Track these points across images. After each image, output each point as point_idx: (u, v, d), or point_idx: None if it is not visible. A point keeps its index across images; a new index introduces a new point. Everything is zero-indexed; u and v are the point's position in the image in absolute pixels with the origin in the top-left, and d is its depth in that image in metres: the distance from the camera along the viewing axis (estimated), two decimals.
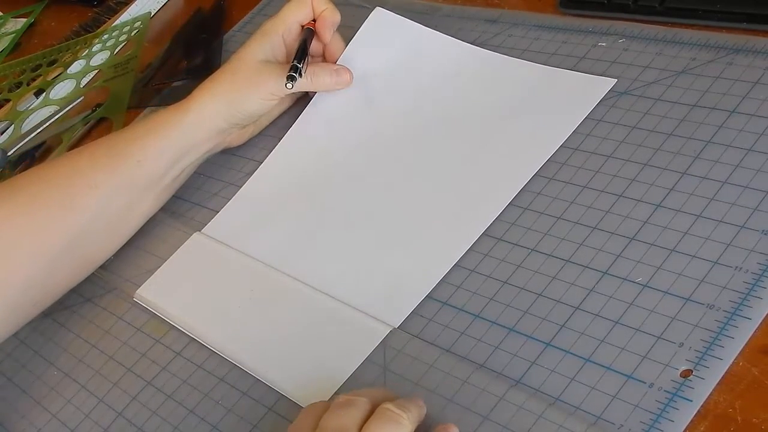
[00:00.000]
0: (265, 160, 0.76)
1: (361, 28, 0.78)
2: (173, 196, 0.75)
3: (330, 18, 0.76)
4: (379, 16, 0.79)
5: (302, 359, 0.60)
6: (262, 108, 0.75)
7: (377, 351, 0.58)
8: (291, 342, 0.61)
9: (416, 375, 0.56)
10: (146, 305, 0.69)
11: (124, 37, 1.02)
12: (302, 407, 0.57)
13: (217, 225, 0.73)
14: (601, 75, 0.68)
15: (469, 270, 0.60)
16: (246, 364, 0.61)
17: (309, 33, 0.75)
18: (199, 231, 0.73)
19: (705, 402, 0.48)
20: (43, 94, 0.99)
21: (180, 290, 0.69)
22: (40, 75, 1.02)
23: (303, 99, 0.79)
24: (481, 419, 0.52)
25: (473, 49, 0.75)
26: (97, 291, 0.73)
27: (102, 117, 0.93)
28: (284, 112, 0.80)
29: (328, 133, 0.75)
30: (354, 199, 0.69)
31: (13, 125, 0.96)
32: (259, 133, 0.79)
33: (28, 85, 1.02)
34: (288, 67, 0.72)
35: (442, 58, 0.76)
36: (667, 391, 0.49)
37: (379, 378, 0.57)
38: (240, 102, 0.73)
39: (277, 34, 0.75)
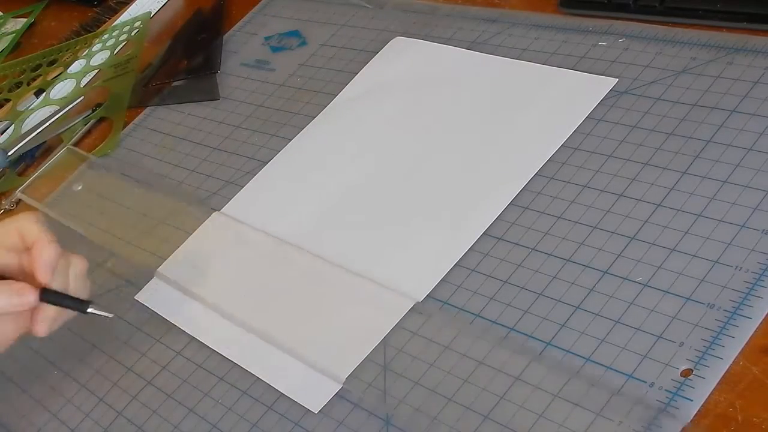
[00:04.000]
0: (289, 143, 0.77)
1: (378, 54, 0.80)
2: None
3: (40, 257, 0.58)
4: (397, 44, 0.80)
5: (327, 333, 0.61)
6: None
7: (377, 350, 0.58)
8: (314, 316, 0.62)
9: (416, 374, 0.56)
10: (167, 284, 0.70)
11: (124, 36, 1.02)
12: (305, 408, 0.57)
13: (237, 204, 0.74)
14: (601, 75, 0.68)
15: (470, 269, 0.60)
16: (269, 340, 0.62)
17: None
18: (218, 210, 0.73)
19: (705, 401, 0.48)
20: (43, 94, 0.99)
21: (201, 268, 0.70)
22: (40, 75, 1.02)
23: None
24: (482, 419, 0.52)
25: (471, 54, 0.75)
26: (97, 291, 0.73)
27: (102, 117, 0.93)
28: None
29: (348, 126, 0.76)
30: (361, 199, 0.69)
31: (13, 125, 0.96)
32: (267, 123, 0.79)
33: (28, 85, 1.02)
34: None
35: (442, 64, 0.76)
36: (668, 390, 0.49)
37: (379, 377, 0.57)
38: None
39: None
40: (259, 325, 0.63)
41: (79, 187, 0.84)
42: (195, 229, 0.73)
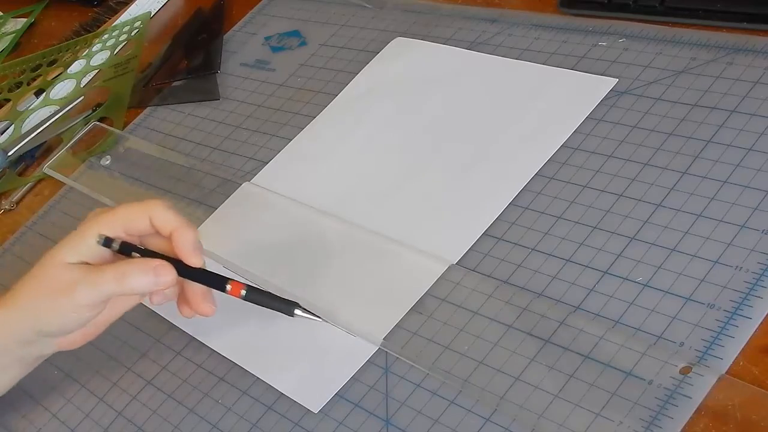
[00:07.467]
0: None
1: (378, 54, 0.80)
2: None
3: (184, 241, 0.58)
4: (397, 44, 0.80)
5: (361, 296, 0.61)
6: (73, 321, 0.59)
7: (379, 353, 0.58)
8: (348, 280, 0.63)
9: (417, 377, 0.56)
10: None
11: (124, 36, 1.02)
12: (305, 408, 0.57)
13: (267, 175, 0.75)
14: (601, 75, 0.68)
15: (469, 269, 0.60)
16: (304, 301, 0.61)
17: None
18: (249, 181, 0.74)
19: (704, 400, 0.48)
20: (43, 94, 0.99)
21: (231, 236, 0.71)
22: (40, 75, 1.02)
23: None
24: (483, 421, 0.52)
25: (471, 54, 0.75)
26: None
27: (102, 117, 0.93)
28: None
29: (347, 127, 0.76)
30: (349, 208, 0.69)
31: (13, 125, 0.96)
32: (267, 123, 0.79)
33: (28, 85, 1.02)
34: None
35: (442, 64, 0.76)
36: (667, 389, 0.49)
37: (381, 379, 0.57)
38: (40, 315, 0.59)
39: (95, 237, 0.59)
40: (295, 290, 0.63)
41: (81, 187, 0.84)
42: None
